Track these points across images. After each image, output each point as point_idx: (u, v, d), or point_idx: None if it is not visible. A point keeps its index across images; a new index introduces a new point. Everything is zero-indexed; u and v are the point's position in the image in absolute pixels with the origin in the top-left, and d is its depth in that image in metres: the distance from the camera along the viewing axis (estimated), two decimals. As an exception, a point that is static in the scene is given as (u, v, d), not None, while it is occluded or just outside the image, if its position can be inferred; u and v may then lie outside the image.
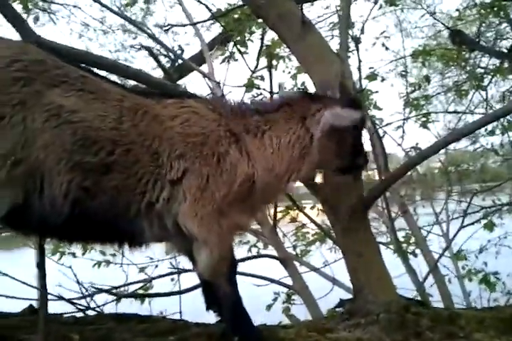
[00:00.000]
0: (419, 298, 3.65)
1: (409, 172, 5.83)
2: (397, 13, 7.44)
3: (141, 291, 3.88)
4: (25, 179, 1.65)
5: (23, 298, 2.37)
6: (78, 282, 3.00)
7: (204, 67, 4.86)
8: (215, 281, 1.94)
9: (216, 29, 6.39)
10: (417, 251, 4.45)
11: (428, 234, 4.77)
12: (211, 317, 2.14)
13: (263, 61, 5.49)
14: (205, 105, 2.03)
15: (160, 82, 2.87)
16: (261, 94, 4.17)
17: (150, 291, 3.94)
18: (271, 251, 4.15)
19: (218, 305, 2.03)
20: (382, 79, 5.53)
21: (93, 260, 4.35)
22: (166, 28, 4.22)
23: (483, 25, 7.28)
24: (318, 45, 2.90)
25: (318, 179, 2.89)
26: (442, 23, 7.11)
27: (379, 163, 3.98)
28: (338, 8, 4.00)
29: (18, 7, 5.31)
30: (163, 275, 3.83)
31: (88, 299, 3.09)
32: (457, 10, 6.98)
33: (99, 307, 3.05)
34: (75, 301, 2.77)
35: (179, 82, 5.44)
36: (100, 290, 3.14)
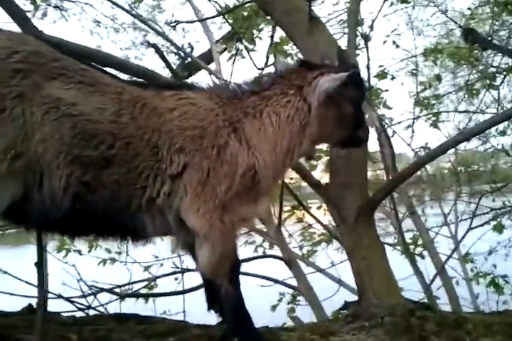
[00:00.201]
0: (425, 301, 3.61)
1: (418, 173, 5.85)
2: (409, 11, 7.36)
3: (145, 290, 3.86)
4: (25, 173, 1.63)
5: (23, 296, 2.36)
6: (82, 280, 2.99)
7: (213, 66, 4.85)
8: (216, 280, 1.90)
9: (227, 27, 6.37)
10: (425, 252, 4.39)
11: (436, 235, 4.71)
12: (216, 318, 2.11)
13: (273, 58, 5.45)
14: (203, 95, 1.99)
15: (164, 79, 2.85)
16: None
17: (154, 290, 3.92)
18: (277, 251, 4.12)
19: (220, 305, 2.00)
20: (392, 78, 5.48)
21: (98, 257, 4.34)
22: (173, 24, 4.18)
23: (497, 23, 7.18)
24: (325, 42, 2.86)
25: (323, 179, 2.87)
26: (454, 21, 7.03)
27: (387, 163, 3.94)
28: (348, 5, 3.96)
29: (26, 2, 5.33)
30: (167, 275, 3.81)
31: (91, 298, 3.07)
32: (469, 8, 6.88)
33: (102, 305, 3.04)
34: (76, 300, 2.75)
35: (188, 81, 5.42)
36: (102, 290, 3.12)
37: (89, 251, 4.26)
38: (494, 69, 6.80)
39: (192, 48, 6.95)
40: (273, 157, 1.94)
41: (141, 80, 2.71)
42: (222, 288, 1.88)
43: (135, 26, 8.36)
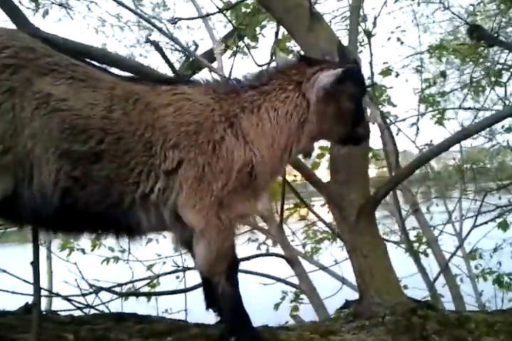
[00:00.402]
0: (429, 299, 3.59)
1: (424, 170, 5.81)
2: (414, 8, 7.29)
3: (147, 288, 3.87)
4: (15, 168, 1.63)
5: (20, 294, 2.35)
6: (84, 279, 2.99)
7: (216, 63, 4.82)
8: (213, 278, 1.88)
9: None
10: (430, 250, 4.36)
11: (440, 233, 4.68)
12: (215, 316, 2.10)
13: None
14: (199, 90, 1.97)
15: (161, 75, 2.84)
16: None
17: (157, 288, 3.92)
18: (280, 249, 4.10)
19: (218, 304, 1.99)
20: (397, 75, 5.43)
21: (101, 256, 4.34)
22: (173, 21, 4.17)
23: (503, 20, 7.10)
24: (326, 38, 2.83)
25: (325, 177, 2.84)
26: (460, 18, 6.95)
27: (390, 160, 3.92)
28: (351, 1, 3.93)
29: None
30: (168, 273, 3.81)
31: (92, 296, 3.07)
32: (471, 5, 6.80)
33: (103, 304, 3.04)
34: (76, 299, 2.75)
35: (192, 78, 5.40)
36: (101, 288, 3.12)
37: (93, 250, 4.27)
38: (500, 66, 6.72)
39: (196, 46, 6.93)
40: (270, 153, 1.92)
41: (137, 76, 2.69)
42: (220, 286, 1.86)
43: (140, 24, 8.37)
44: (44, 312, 2.13)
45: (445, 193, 5.86)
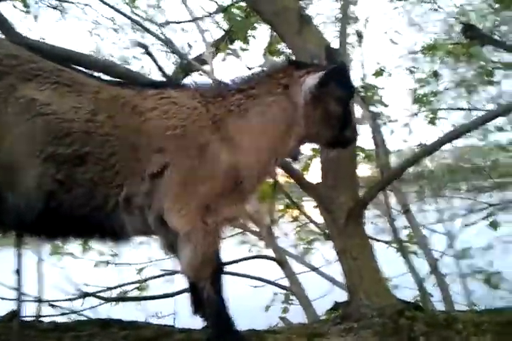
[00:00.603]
0: (417, 300, 3.60)
1: (418, 169, 5.83)
2: (408, 8, 7.27)
3: (136, 292, 3.86)
4: None
5: (10, 299, 2.34)
6: (72, 284, 2.97)
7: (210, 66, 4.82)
8: (198, 283, 1.87)
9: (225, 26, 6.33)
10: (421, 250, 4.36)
11: (432, 232, 4.70)
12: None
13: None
14: (186, 94, 1.96)
15: (148, 79, 2.84)
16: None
17: (147, 292, 3.91)
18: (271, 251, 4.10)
19: (204, 309, 1.98)
20: (389, 75, 5.44)
21: (92, 260, 4.33)
22: (163, 24, 4.17)
23: (498, 19, 7.10)
24: (315, 41, 2.84)
25: (314, 179, 2.84)
26: (454, 17, 6.95)
27: (381, 161, 3.92)
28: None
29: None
30: (156, 277, 3.80)
31: (80, 301, 3.06)
32: (461, 5, 6.79)
33: (90, 309, 3.02)
34: (64, 304, 2.74)
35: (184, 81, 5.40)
36: (86, 294, 3.11)
37: (83, 253, 4.25)
38: (494, 65, 6.72)
39: (190, 48, 6.93)
40: (257, 157, 1.92)
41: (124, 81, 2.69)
42: (205, 291, 1.86)
43: (133, 27, 8.34)
44: (29, 319, 2.12)
45: (438, 192, 5.87)
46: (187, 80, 6.04)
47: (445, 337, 2.15)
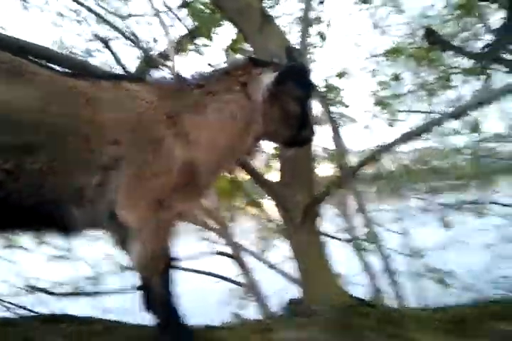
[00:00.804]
0: (370, 297, 3.67)
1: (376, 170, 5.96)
2: (373, 11, 7.38)
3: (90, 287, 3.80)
4: None
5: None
6: (21, 278, 2.90)
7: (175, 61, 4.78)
8: (148, 278, 1.85)
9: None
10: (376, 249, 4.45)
11: (387, 231, 4.81)
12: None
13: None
14: (143, 87, 1.93)
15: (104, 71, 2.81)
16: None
17: (102, 287, 3.86)
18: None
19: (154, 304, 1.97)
20: (350, 77, 5.53)
21: (46, 254, 4.23)
22: (125, 17, 4.12)
23: (459, 25, 7.28)
24: (276, 40, 2.86)
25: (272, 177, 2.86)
26: (431, 24, 7.09)
27: (340, 161, 3.99)
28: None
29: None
30: (110, 272, 3.75)
31: (31, 297, 2.99)
32: (423, 10, 6.93)
33: (44, 303, 2.96)
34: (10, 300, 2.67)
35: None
36: (36, 289, 3.04)
37: (37, 248, 4.15)
38: (454, 71, 6.90)
39: (156, 42, 6.85)
40: (213, 153, 1.92)
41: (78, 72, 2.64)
42: (154, 286, 1.85)
43: (98, 19, 8.17)
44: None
45: (395, 192, 6.01)
46: (151, 75, 5.98)
47: (393, 333, 2.19)
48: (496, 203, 5.86)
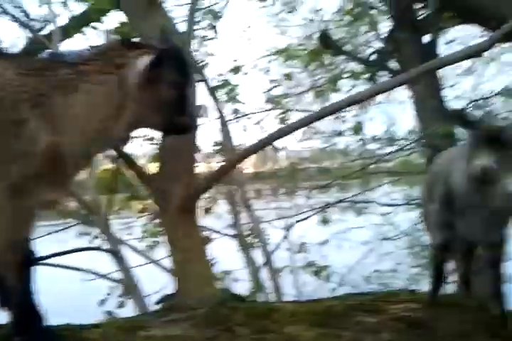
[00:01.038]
0: (251, 291, 3.73)
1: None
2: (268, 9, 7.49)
3: None
4: None
5: None
6: None
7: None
8: (3, 271, 1.71)
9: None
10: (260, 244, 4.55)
11: (270, 228, 4.96)
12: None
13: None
14: (7, 64, 1.75)
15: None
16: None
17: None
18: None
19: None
20: (245, 73, 5.58)
21: None
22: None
23: (351, 31, 7.63)
24: (162, 24, 2.77)
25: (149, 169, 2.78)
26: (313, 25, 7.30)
27: (227, 155, 4.00)
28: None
29: None
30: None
31: None
32: (317, 12, 7.18)
33: None
34: None
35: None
36: None
37: None
38: (344, 75, 7.23)
39: (46, 23, 6.44)
40: (80, 138, 1.77)
41: None
42: (10, 280, 1.71)
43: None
44: None
45: (279, 190, 6.22)
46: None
47: (261, 326, 2.20)
48: (369, 202, 6.27)
